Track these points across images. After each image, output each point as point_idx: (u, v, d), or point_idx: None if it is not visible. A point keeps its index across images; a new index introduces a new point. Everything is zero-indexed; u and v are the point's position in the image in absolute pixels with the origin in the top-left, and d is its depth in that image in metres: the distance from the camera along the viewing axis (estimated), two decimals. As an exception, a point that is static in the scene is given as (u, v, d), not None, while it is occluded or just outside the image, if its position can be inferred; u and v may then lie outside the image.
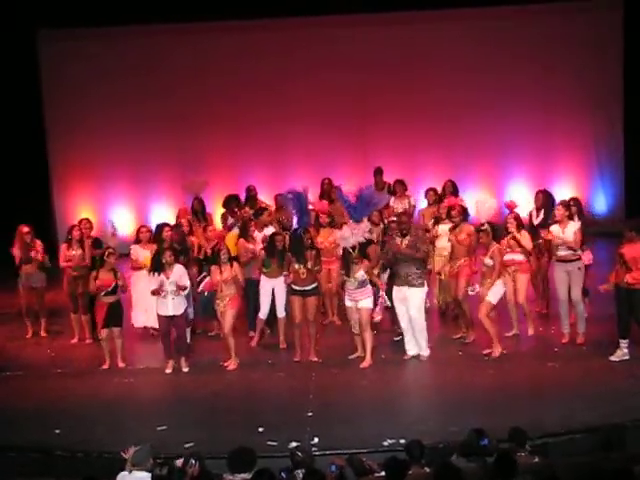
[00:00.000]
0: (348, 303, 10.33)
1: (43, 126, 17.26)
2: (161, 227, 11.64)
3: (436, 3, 16.37)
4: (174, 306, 10.26)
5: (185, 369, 10.37)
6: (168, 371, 10.35)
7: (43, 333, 12.17)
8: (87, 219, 12.29)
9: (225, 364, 10.39)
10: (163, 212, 16.31)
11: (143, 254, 11.45)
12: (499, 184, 17.15)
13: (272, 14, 16.19)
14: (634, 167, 16.94)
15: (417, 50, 16.87)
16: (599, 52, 16.85)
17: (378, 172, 14.13)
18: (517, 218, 10.93)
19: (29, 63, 16.77)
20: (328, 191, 13.42)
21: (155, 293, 10.17)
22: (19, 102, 16.42)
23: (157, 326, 10.94)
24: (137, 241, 11.73)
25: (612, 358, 9.85)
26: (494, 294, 10.26)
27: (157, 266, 10.28)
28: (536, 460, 6.88)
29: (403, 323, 10.35)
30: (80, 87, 16.99)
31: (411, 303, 10.17)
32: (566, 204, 10.78)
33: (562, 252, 10.45)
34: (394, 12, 16.46)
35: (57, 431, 8.67)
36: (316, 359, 10.46)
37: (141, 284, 11.39)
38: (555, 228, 10.54)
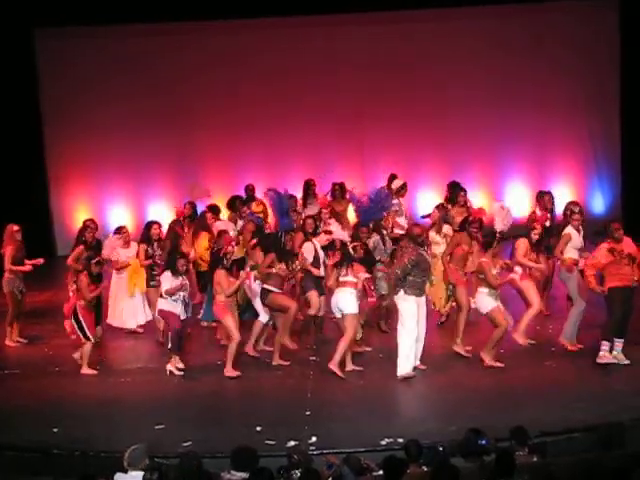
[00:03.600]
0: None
1: (40, 124, 17.22)
2: (150, 225, 11.54)
3: (434, 2, 16.37)
4: (186, 310, 10.25)
5: (180, 364, 10.27)
6: (179, 366, 10.24)
7: (18, 338, 11.73)
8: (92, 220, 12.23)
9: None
10: (160, 210, 16.27)
11: (125, 254, 11.51)
12: (497, 183, 17.16)
13: (271, 13, 16.18)
14: (631, 166, 16.94)
15: (415, 49, 16.87)
16: (596, 51, 16.86)
17: (393, 179, 13.78)
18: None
19: (26, 61, 16.72)
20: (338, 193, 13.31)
21: (171, 293, 10.08)
22: (16, 100, 16.39)
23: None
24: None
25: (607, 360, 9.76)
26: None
27: (176, 270, 10.13)
28: (534, 459, 6.88)
29: (412, 338, 9.77)
30: (77, 86, 16.95)
31: (423, 311, 9.91)
32: (581, 210, 10.64)
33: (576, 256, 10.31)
34: (392, 11, 16.46)
35: (55, 430, 8.66)
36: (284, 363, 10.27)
37: (124, 285, 11.61)
38: (575, 234, 10.36)
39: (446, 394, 9.28)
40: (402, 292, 9.69)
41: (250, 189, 13.82)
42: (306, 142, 17.02)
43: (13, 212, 14.45)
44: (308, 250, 10.60)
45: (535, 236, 10.41)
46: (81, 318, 10.20)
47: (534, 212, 11.66)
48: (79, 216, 17.07)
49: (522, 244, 10.32)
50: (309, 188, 13.54)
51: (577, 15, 16.84)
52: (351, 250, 10.15)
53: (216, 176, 16.73)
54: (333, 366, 9.74)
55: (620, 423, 7.76)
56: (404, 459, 6.68)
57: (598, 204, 17.46)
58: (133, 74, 16.90)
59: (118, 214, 17.03)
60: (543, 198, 11.81)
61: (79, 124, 17.02)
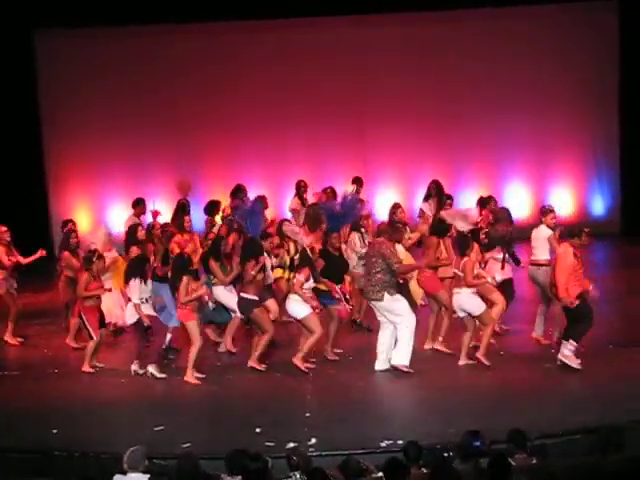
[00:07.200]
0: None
1: (39, 125, 17.26)
2: (135, 228, 11.14)
3: (434, 4, 16.40)
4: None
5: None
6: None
7: (12, 339, 11.66)
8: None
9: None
10: (159, 210, 16.22)
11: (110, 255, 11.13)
12: (496, 184, 17.16)
13: (270, 14, 16.21)
14: (631, 169, 16.97)
15: (416, 50, 16.93)
16: (596, 54, 16.91)
17: (361, 184, 13.61)
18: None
19: (25, 62, 16.78)
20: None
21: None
22: (16, 101, 16.43)
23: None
24: None
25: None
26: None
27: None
28: (534, 461, 6.88)
29: (412, 330, 9.85)
30: (76, 86, 17.02)
31: None
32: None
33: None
34: (393, 13, 16.50)
35: (54, 431, 8.65)
36: (257, 367, 10.07)
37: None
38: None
39: (446, 395, 9.26)
40: (387, 295, 9.70)
41: (241, 189, 13.35)
42: (307, 141, 17.06)
43: (13, 212, 14.46)
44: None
45: (483, 236, 10.29)
46: (85, 319, 10.16)
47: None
48: (79, 216, 17.15)
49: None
50: (299, 189, 13.56)
51: (577, 18, 16.89)
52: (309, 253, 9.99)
53: (216, 174, 16.76)
54: (297, 361, 9.87)
55: (620, 425, 7.77)
56: (406, 462, 6.66)
57: (598, 206, 17.47)
58: (132, 74, 16.95)
59: (117, 213, 17.02)
60: (489, 204, 11.46)
61: (78, 124, 17.08)
